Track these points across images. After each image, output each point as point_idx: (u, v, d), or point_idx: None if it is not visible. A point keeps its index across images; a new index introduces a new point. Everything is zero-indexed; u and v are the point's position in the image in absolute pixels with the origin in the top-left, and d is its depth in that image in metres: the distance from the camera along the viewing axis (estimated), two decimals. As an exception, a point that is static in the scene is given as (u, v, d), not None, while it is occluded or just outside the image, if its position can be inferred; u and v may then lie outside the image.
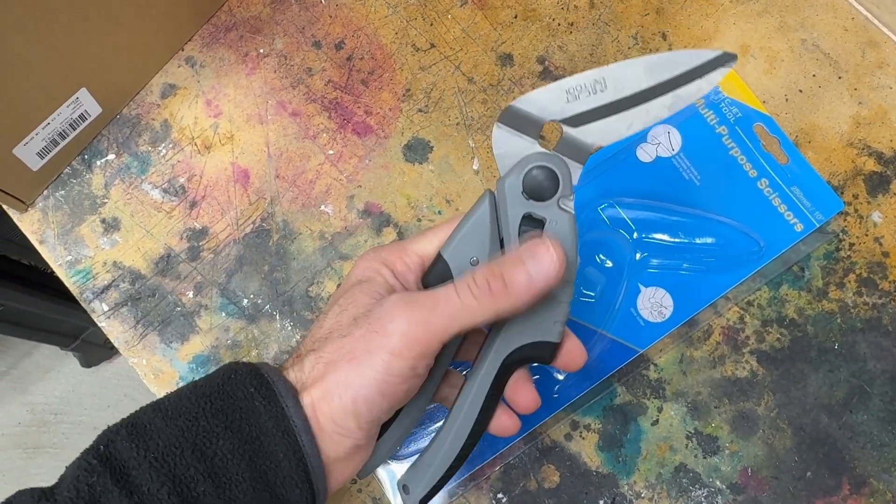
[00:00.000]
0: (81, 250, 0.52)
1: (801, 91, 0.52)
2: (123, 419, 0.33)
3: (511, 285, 0.34)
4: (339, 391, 0.33)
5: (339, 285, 0.42)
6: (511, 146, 0.37)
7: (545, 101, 0.36)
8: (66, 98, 0.49)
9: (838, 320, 0.49)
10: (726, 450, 0.47)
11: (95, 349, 1.36)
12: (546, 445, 0.48)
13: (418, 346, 0.33)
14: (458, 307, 0.33)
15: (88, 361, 1.38)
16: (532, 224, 0.36)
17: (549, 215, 0.36)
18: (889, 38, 0.53)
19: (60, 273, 0.52)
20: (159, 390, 0.50)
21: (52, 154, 0.51)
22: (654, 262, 0.49)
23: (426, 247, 0.38)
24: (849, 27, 0.53)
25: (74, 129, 0.51)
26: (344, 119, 0.53)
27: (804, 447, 0.47)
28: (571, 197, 0.36)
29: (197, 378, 0.49)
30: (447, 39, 0.54)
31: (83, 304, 0.51)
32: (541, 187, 0.36)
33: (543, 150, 0.37)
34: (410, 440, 0.47)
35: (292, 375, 0.35)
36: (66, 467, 0.33)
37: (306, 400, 0.33)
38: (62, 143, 0.51)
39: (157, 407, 0.33)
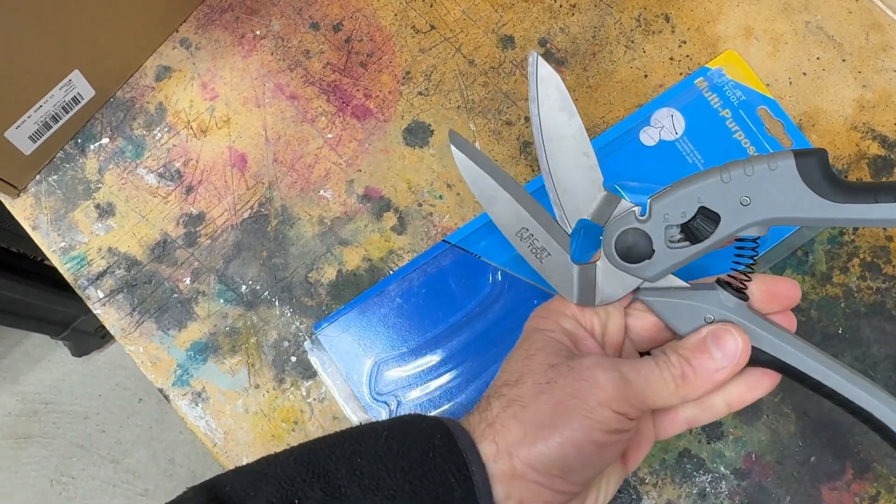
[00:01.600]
0: (75, 236, 0.51)
1: (805, 74, 0.52)
2: (313, 474, 0.31)
3: (698, 371, 0.34)
4: (543, 434, 0.31)
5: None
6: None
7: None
8: (58, 80, 0.48)
9: (842, 305, 0.49)
10: (730, 435, 0.47)
11: (86, 338, 1.35)
12: (549, 432, 0.48)
13: (626, 404, 0.32)
14: (658, 380, 0.34)
15: (79, 350, 1.37)
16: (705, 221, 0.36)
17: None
18: (894, 20, 0.52)
19: (54, 259, 0.51)
20: (157, 378, 0.49)
21: (44, 138, 0.50)
22: (658, 246, 0.48)
23: (609, 313, 0.38)
24: (853, 9, 0.53)
25: (67, 112, 0.50)
26: (343, 102, 0.52)
27: (808, 432, 0.47)
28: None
29: (192, 367, 0.48)
30: (447, 21, 0.53)
31: (78, 292, 0.50)
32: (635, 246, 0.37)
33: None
34: None
35: (477, 421, 0.33)
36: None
37: (500, 442, 0.32)
38: (55, 127, 0.50)
39: (354, 469, 0.31)
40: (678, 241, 0.37)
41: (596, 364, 0.33)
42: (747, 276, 0.37)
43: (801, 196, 0.34)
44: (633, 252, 0.37)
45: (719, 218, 0.35)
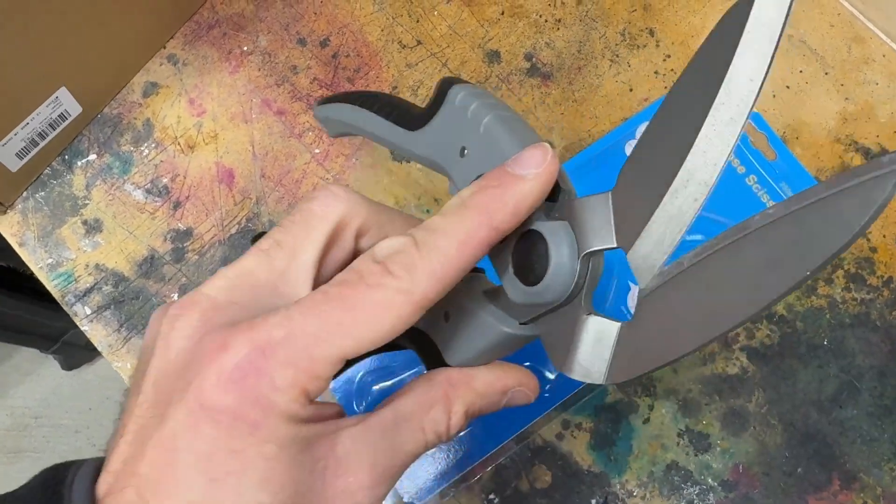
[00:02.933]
0: (63, 252, 0.51)
1: (788, 87, 0.52)
2: None
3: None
4: None
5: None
6: None
7: None
8: (45, 97, 0.48)
9: (827, 316, 0.49)
10: (717, 447, 0.47)
11: (76, 351, 1.34)
12: (537, 445, 0.48)
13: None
14: (422, 447, 0.28)
15: (69, 364, 1.36)
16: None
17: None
18: (874, 33, 0.53)
19: (41, 276, 0.51)
20: (144, 394, 0.49)
21: (31, 154, 0.50)
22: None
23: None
24: (835, 23, 0.53)
25: (54, 129, 0.50)
26: (330, 117, 0.52)
27: (795, 443, 0.47)
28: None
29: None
30: (434, 36, 0.54)
31: (65, 308, 0.50)
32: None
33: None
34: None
35: None
36: None
37: None
38: (42, 144, 0.50)
39: None
40: None
41: (355, 477, 0.26)
42: None
43: None
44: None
45: None
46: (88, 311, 0.50)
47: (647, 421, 0.48)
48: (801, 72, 0.52)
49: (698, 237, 0.49)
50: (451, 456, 0.46)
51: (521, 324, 0.28)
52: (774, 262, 0.21)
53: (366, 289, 0.24)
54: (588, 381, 0.26)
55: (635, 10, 0.54)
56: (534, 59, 0.53)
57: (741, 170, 0.49)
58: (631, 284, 0.48)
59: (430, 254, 0.24)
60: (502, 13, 0.54)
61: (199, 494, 0.22)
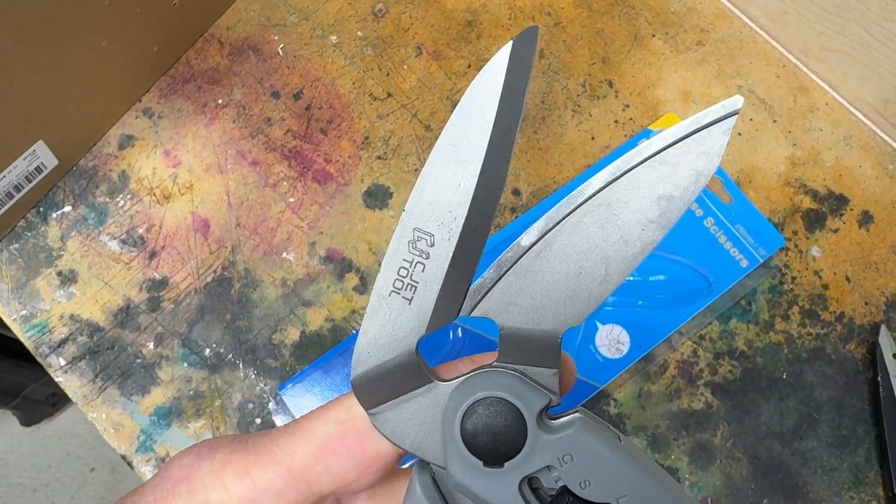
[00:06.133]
0: (37, 304, 0.51)
1: (739, 134, 0.55)
2: None
3: None
4: None
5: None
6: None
7: (386, 319, 0.24)
8: (22, 151, 0.49)
9: (785, 351, 0.51)
10: (686, 481, 0.49)
11: (36, 407, 1.31)
12: (512, 484, 0.48)
13: None
14: None
15: (28, 420, 1.33)
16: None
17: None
18: (817, 84, 0.57)
19: (14, 328, 0.51)
20: (119, 445, 0.49)
21: (6, 207, 0.50)
22: (610, 299, 0.51)
23: (298, 450, 0.25)
24: (780, 74, 0.57)
25: (30, 181, 0.50)
26: (304, 167, 0.54)
27: (760, 475, 0.49)
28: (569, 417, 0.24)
29: (156, 432, 0.49)
30: (404, 89, 0.56)
31: (39, 360, 0.50)
32: (499, 439, 0.23)
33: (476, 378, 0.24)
34: None
35: None
36: None
37: None
38: (17, 196, 0.50)
39: None
40: None
41: None
42: None
43: None
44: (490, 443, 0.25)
45: None
46: (63, 363, 0.50)
47: (618, 457, 0.49)
48: (751, 120, 0.56)
49: (661, 277, 0.52)
50: None
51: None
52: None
53: None
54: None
55: (594, 63, 0.57)
56: (500, 110, 0.56)
57: (699, 213, 0.52)
58: (598, 324, 0.50)
59: None
60: (469, 66, 0.57)
61: None
